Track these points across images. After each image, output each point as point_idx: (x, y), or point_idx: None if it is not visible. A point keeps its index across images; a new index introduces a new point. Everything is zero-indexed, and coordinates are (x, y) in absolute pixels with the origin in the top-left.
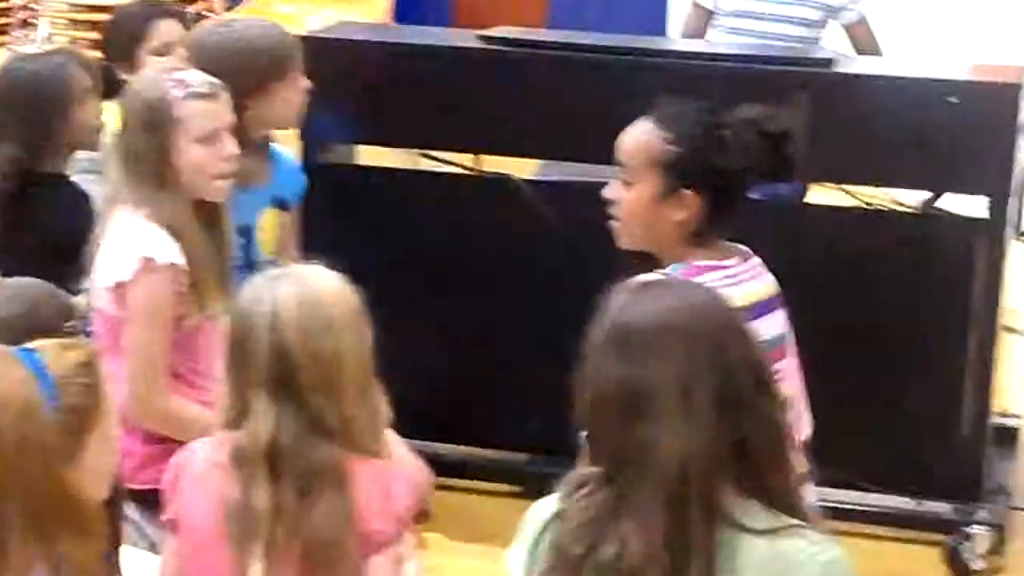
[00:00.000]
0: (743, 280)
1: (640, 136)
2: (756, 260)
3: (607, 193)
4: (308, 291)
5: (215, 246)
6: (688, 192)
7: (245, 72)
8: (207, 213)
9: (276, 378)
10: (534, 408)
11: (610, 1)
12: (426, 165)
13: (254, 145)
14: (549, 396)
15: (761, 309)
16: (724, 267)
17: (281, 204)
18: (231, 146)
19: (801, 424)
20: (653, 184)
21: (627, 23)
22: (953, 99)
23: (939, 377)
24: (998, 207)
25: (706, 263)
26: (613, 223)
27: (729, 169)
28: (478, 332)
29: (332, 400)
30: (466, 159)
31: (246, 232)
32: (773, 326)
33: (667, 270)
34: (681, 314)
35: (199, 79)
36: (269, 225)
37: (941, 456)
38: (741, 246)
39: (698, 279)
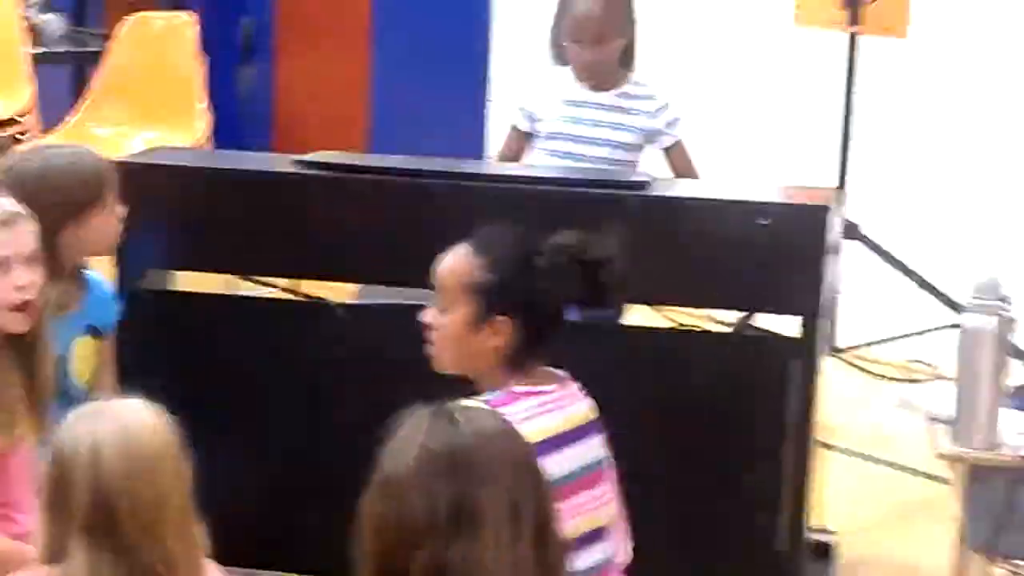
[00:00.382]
0: (561, 406)
1: (455, 261)
2: (574, 385)
3: (423, 318)
4: (128, 431)
5: (27, 369)
6: (501, 319)
7: (58, 200)
8: (18, 339)
9: (95, 522)
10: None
11: (429, 123)
12: (245, 290)
13: (67, 272)
14: None
15: (579, 434)
16: (541, 393)
17: (95, 332)
18: (25, 275)
19: (621, 548)
20: (467, 310)
21: (446, 146)
22: (764, 221)
23: (757, 494)
24: (810, 326)
25: (523, 389)
26: (429, 347)
27: (542, 297)
28: (298, 458)
29: (153, 541)
30: (285, 283)
31: (60, 362)
32: (591, 450)
33: (483, 396)
34: (504, 439)
35: None
36: (84, 354)
37: (760, 572)
38: (559, 371)
39: (514, 405)
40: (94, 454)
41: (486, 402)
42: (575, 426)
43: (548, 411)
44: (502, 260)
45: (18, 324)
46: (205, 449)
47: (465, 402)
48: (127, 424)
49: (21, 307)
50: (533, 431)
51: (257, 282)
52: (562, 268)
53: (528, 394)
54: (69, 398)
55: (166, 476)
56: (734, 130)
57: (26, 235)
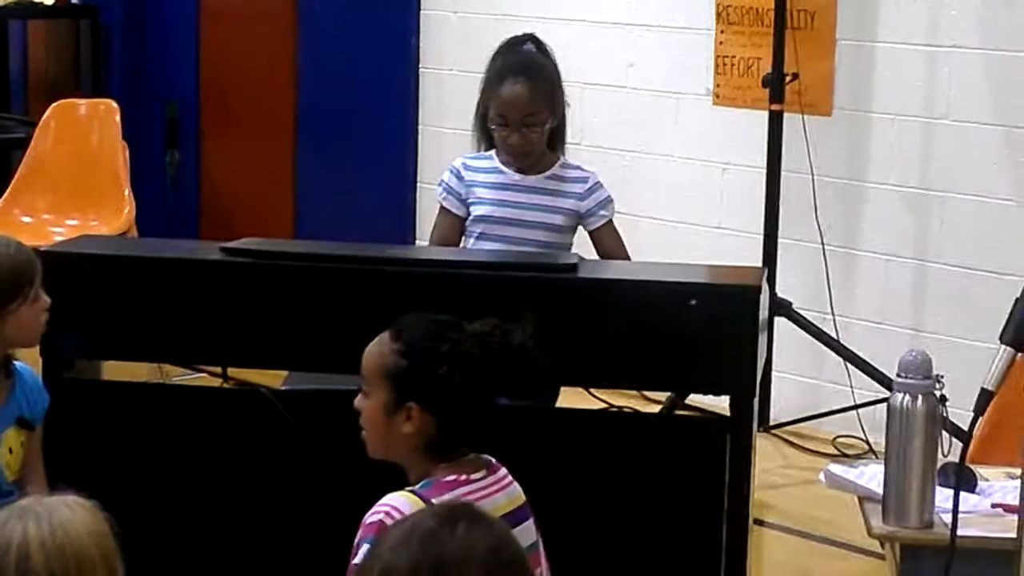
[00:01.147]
0: (491, 493)
1: (375, 347)
2: (502, 471)
3: (355, 404)
4: (57, 532)
5: None
6: (413, 406)
7: None
8: None
9: None
10: None
11: (356, 208)
12: (175, 375)
13: None
14: None
15: (511, 520)
16: (468, 482)
17: (24, 423)
18: None
19: None
20: (381, 396)
21: (374, 230)
22: (694, 301)
23: (694, 574)
24: (742, 404)
25: (452, 478)
26: (364, 434)
27: (453, 385)
28: (231, 547)
29: None
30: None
31: None
32: (524, 536)
33: (413, 488)
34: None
35: None
36: (12, 445)
37: None
38: (485, 456)
39: (447, 496)
40: (21, 556)
41: (415, 494)
42: (507, 511)
43: (480, 497)
44: (413, 346)
45: None
46: (135, 542)
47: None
48: (57, 524)
49: None
50: None
51: (188, 368)
52: (475, 357)
53: (455, 483)
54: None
55: None
56: (660, 209)
57: None
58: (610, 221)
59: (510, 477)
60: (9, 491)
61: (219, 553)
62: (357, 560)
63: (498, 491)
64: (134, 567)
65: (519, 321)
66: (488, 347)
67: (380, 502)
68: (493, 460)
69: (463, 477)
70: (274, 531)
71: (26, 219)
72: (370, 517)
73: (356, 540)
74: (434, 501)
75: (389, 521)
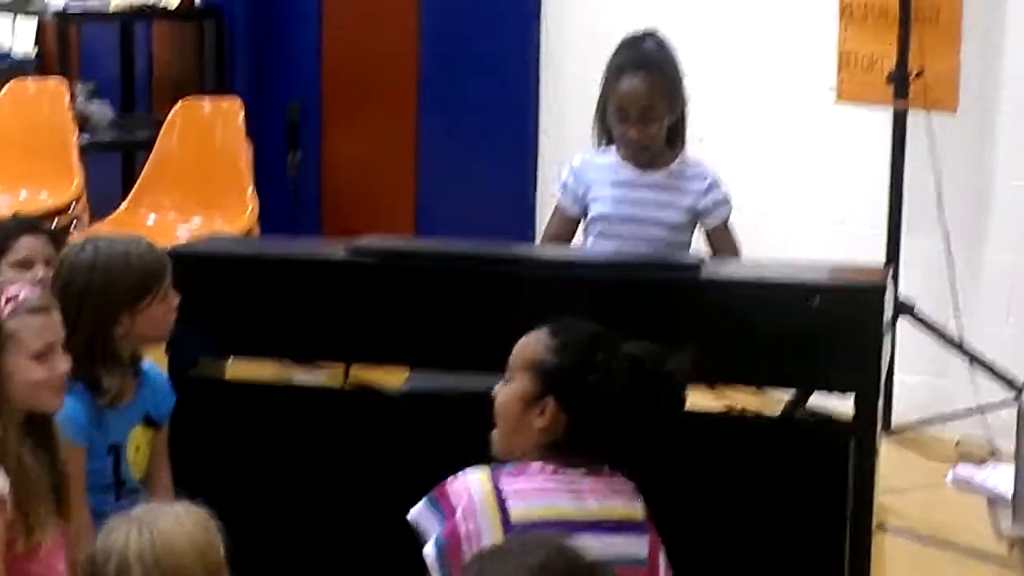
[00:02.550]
0: (587, 494)
1: (530, 338)
2: (619, 481)
3: (494, 391)
4: (159, 544)
5: (46, 465)
6: (551, 401)
7: (113, 291)
8: (37, 429)
9: None
10: None
11: (477, 205)
12: (298, 374)
13: (122, 362)
14: None
15: (613, 528)
16: (557, 472)
17: (151, 422)
18: (64, 359)
19: None
20: (524, 385)
21: (494, 227)
22: (818, 301)
23: None
24: (866, 405)
25: (540, 464)
26: (494, 431)
27: (597, 392)
28: (353, 547)
29: None
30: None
31: (115, 451)
32: (621, 547)
33: (502, 468)
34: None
35: (30, 294)
36: (139, 444)
37: None
38: (606, 468)
39: (520, 477)
40: (121, 565)
41: (490, 469)
42: (596, 519)
43: (563, 491)
44: (568, 346)
45: (56, 404)
46: (258, 539)
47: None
48: (159, 536)
49: (62, 388)
50: (529, 508)
51: (310, 366)
52: (623, 374)
53: (537, 470)
54: (125, 488)
55: None
56: (781, 207)
57: (59, 322)
58: (727, 220)
59: (626, 488)
60: (136, 488)
61: (335, 552)
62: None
63: (589, 495)
64: (252, 567)
65: (676, 351)
66: (639, 369)
67: (460, 474)
68: (609, 470)
69: (550, 467)
70: (392, 529)
71: (151, 218)
72: (445, 485)
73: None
74: (503, 487)
75: (449, 488)
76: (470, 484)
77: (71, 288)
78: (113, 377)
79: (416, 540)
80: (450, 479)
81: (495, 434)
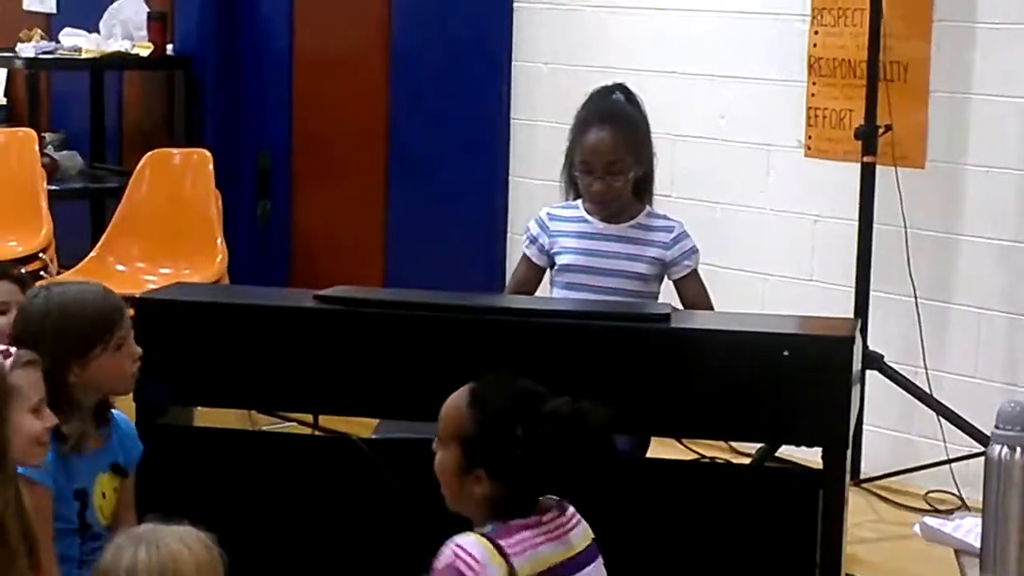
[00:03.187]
0: (558, 536)
1: (452, 406)
2: (570, 511)
3: (434, 447)
4: (166, 563)
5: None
6: (481, 472)
7: (63, 338)
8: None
9: None
10: None
11: (446, 257)
12: (265, 424)
13: (82, 409)
14: None
15: (577, 564)
16: (540, 523)
17: (118, 469)
18: (51, 416)
19: None
20: (454, 455)
21: (464, 279)
22: (787, 353)
23: None
24: (835, 458)
25: (522, 521)
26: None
27: (522, 463)
28: None
29: None
30: (306, 418)
31: (82, 496)
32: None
33: (482, 528)
34: None
35: (20, 348)
36: (105, 490)
37: None
38: (552, 497)
39: (512, 537)
40: None
41: (486, 537)
42: (576, 553)
43: (548, 539)
44: (489, 418)
45: (43, 457)
46: None
47: None
48: (167, 554)
49: (48, 443)
50: (527, 564)
51: (276, 416)
52: (548, 439)
53: (523, 526)
54: (90, 533)
55: None
56: (750, 259)
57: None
58: (695, 271)
59: (578, 517)
60: (101, 534)
61: None
62: None
63: (564, 533)
64: None
65: (596, 405)
66: (561, 431)
67: (450, 542)
68: (557, 499)
69: (532, 519)
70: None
71: (120, 267)
72: (441, 560)
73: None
74: (501, 543)
75: (462, 566)
76: (472, 548)
77: (25, 336)
78: (72, 424)
79: None
80: (444, 551)
81: (443, 490)
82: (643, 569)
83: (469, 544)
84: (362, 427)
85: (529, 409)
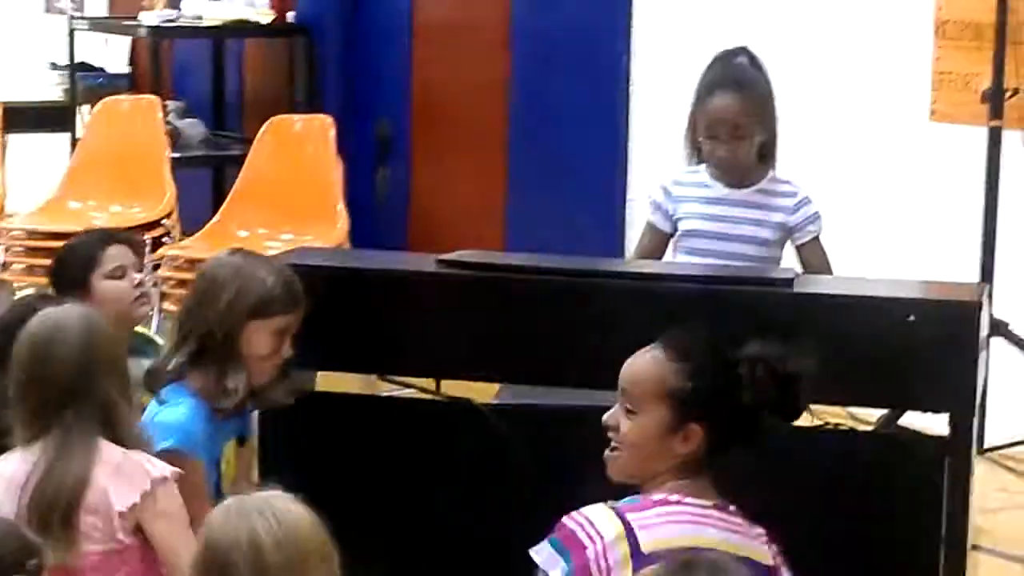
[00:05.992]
0: (700, 523)
1: (649, 365)
2: (741, 521)
3: (607, 419)
4: (284, 526)
5: None
6: (695, 427)
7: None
8: None
9: None
10: None
11: (566, 222)
12: (385, 390)
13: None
14: None
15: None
16: (680, 503)
17: (242, 439)
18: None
19: None
20: (661, 416)
21: (583, 245)
22: (913, 318)
23: None
24: (962, 425)
25: (662, 496)
26: (608, 453)
27: (740, 407)
28: (440, 561)
29: None
30: (427, 383)
31: (217, 465)
32: None
33: (617, 503)
34: None
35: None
36: (229, 458)
37: None
38: (724, 500)
39: (647, 511)
40: (254, 549)
41: (613, 509)
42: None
43: (687, 523)
44: (700, 368)
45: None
46: (345, 554)
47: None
48: (283, 519)
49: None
50: (649, 540)
51: (394, 382)
52: (759, 379)
53: (661, 502)
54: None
55: (320, 571)
56: (875, 225)
57: None
58: (817, 237)
59: (752, 531)
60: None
61: (421, 567)
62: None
63: (715, 526)
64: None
65: (798, 345)
66: (776, 373)
67: (579, 511)
68: (721, 501)
69: (673, 498)
70: (480, 545)
71: (242, 233)
72: (566, 523)
73: (547, 536)
74: (628, 516)
75: (581, 534)
76: (596, 520)
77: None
78: (237, 378)
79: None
80: (570, 517)
81: (620, 462)
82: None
83: (594, 515)
84: (484, 394)
85: (735, 353)
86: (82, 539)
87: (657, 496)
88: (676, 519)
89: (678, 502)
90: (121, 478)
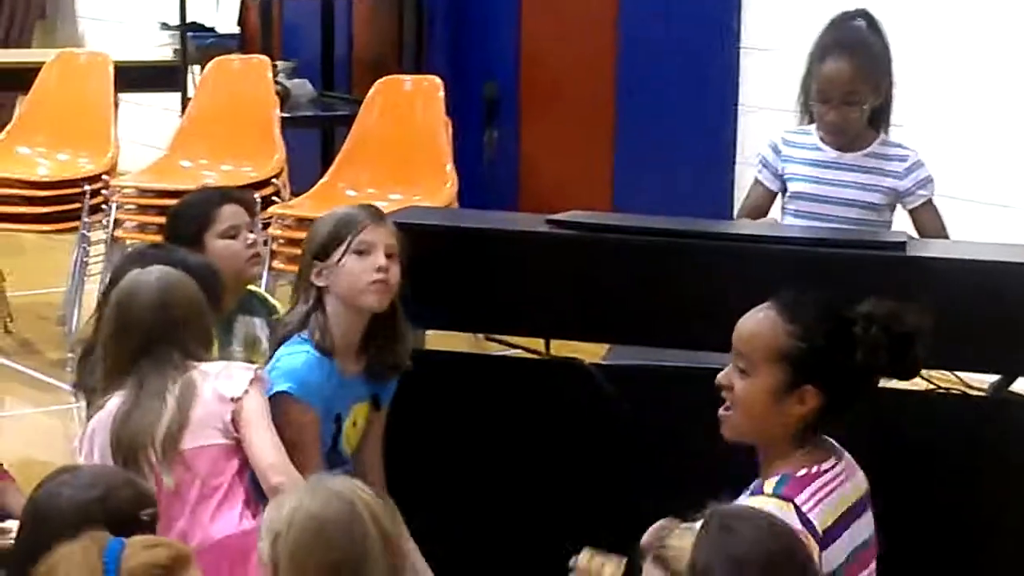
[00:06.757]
0: (842, 482)
1: (763, 326)
2: (847, 458)
3: (720, 379)
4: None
5: None
6: (810, 388)
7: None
8: None
9: None
10: None
11: (674, 184)
12: (493, 350)
13: (353, 330)
14: None
15: (859, 509)
16: (821, 473)
17: (376, 401)
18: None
19: None
20: (774, 377)
21: (692, 206)
22: None
23: (1017, 565)
24: None
25: (804, 472)
26: (723, 411)
27: (855, 368)
28: (547, 520)
29: None
30: (533, 343)
31: (337, 421)
32: (864, 530)
33: (769, 489)
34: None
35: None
36: (358, 419)
37: None
38: (830, 440)
39: (803, 493)
40: (288, 527)
41: (779, 497)
42: (856, 500)
43: (832, 490)
44: (815, 328)
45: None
46: (452, 510)
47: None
48: (322, 507)
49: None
50: (821, 519)
51: (500, 342)
52: (874, 339)
53: (808, 478)
54: (339, 459)
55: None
56: (988, 193)
57: None
58: (930, 201)
59: (855, 464)
60: (347, 461)
61: (529, 524)
62: None
63: (846, 479)
64: (446, 532)
65: (909, 304)
66: (890, 332)
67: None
68: (837, 444)
69: (814, 470)
70: (588, 504)
71: (351, 192)
72: None
73: None
74: (796, 501)
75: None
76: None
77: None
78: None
79: None
80: None
81: (733, 421)
82: (873, 499)
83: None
84: (590, 354)
85: (850, 313)
86: (199, 437)
87: (799, 473)
88: (826, 491)
89: (817, 473)
90: (225, 379)
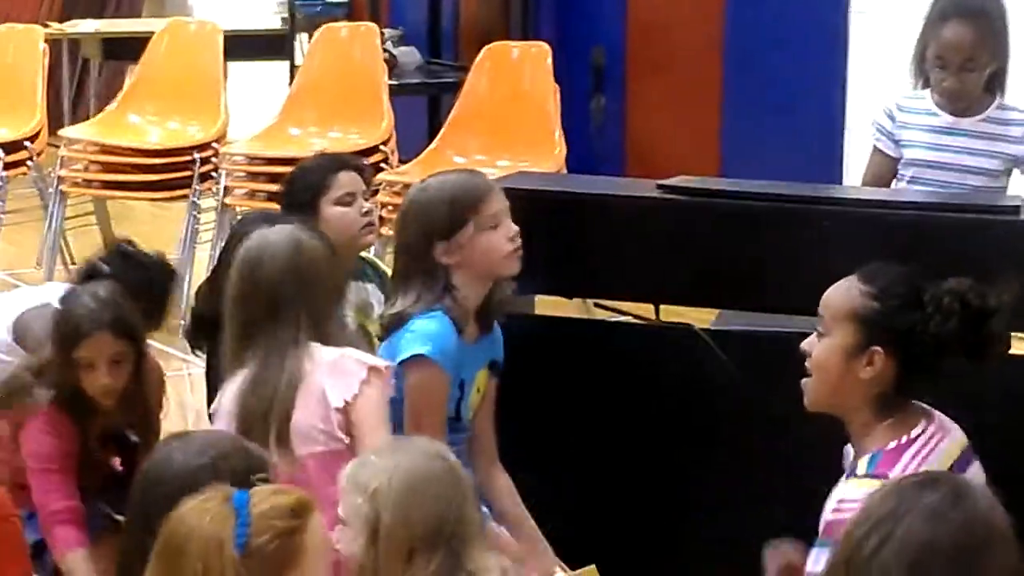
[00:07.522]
0: (935, 445)
1: (841, 289)
2: (938, 416)
3: (803, 346)
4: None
5: None
6: (878, 351)
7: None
8: None
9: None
10: (715, 562)
11: (782, 149)
12: (601, 315)
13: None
14: (731, 549)
15: (963, 464)
16: (912, 441)
17: (494, 367)
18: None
19: None
20: (845, 337)
21: (800, 172)
22: None
23: None
24: None
25: (894, 444)
26: (804, 381)
27: (925, 335)
28: (656, 484)
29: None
30: (641, 308)
31: (461, 387)
32: (977, 477)
33: (863, 465)
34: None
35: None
36: (480, 386)
37: None
38: (918, 403)
39: (898, 465)
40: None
41: (871, 476)
42: (959, 454)
43: (929, 453)
44: (887, 291)
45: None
46: (564, 474)
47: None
48: (419, 462)
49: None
50: None
51: (608, 308)
52: (949, 311)
53: (899, 449)
54: (460, 425)
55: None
56: None
57: None
58: None
59: (949, 421)
60: (466, 427)
61: (638, 489)
62: (814, 568)
63: (943, 439)
64: (557, 497)
65: (995, 284)
66: (966, 305)
67: (834, 497)
68: (925, 406)
69: (903, 440)
70: (698, 470)
71: (458, 159)
72: (832, 516)
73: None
74: (890, 475)
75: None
76: (853, 496)
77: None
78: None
79: None
80: (831, 510)
81: (810, 387)
82: (988, 468)
83: (857, 495)
84: (698, 319)
85: (928, 283)
86: (305, 442)
87: (890, 446)
88: (922, 456)
89: (908, 442)
90: (336, 376)
